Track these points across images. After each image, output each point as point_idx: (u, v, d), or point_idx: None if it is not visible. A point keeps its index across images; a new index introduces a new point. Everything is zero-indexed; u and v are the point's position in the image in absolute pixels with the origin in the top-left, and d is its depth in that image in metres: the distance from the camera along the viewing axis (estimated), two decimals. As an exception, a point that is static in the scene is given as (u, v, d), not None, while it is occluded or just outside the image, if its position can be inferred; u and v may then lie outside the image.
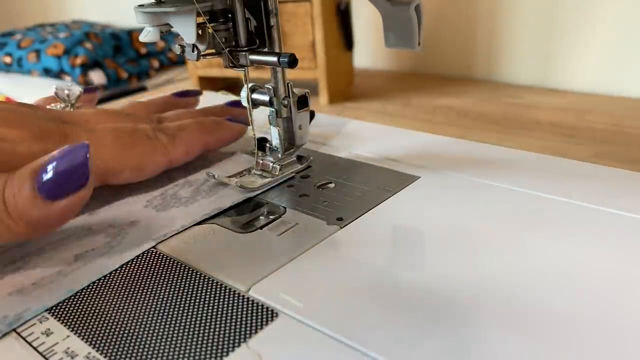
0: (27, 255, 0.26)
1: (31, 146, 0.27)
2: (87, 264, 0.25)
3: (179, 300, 0.22)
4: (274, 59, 0.28)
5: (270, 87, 0.32)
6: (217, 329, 0.20)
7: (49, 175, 0.23)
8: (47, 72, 1.03)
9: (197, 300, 0.22)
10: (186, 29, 0.28)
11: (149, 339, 0.20)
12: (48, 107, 0.35)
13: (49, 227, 0.24)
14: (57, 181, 0.23)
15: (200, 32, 0.29)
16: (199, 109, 0.38)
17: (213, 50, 0.30)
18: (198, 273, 0.24)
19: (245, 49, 0.30)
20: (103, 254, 0.26)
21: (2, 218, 0.23)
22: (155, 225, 0.28)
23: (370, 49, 0.84)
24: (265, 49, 0.31)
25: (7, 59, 1.09)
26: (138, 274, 0.24)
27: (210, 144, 0.33)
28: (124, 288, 0.23)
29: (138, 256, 0.26)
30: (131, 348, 0.20)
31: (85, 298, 0.23)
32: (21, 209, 0.23)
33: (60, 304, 0.22)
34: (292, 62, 0.28)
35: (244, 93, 0.32)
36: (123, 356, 0.19)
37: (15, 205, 0.23)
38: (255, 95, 0.33)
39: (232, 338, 0.20)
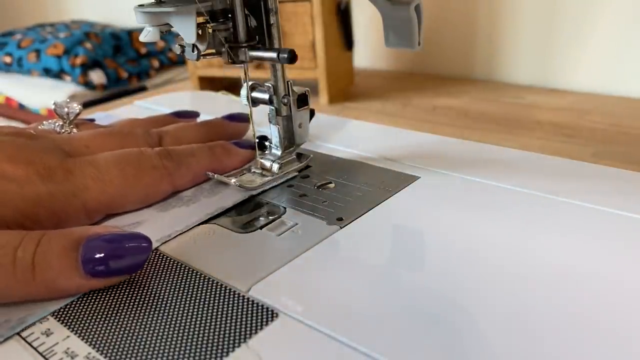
0: None
1: (38, 187, 0.26)
2: None
3: (179, 300, 0.22)
4: (274, 54, 0.28)
5: (270, 85, 0.32)
6: (217, 329, 0.20)
7: (99, 255, 0.22)
8: (47, 72, 1.03)
9: (197, 300, 0.22)
10: (186, 29, 0.28)
11: (149, 339, 0.20)
12: (46, 122, 0.34)
13: (69, 296, 0.23)
14: (107, 266, 0.22)
15: (200, 32, 0.29)
16: (199, 123, 0.38)
17: (213, 50, 0.30)
18: (198, 273, 0.24)
19: (245, 45, 0.30)
20: None
21: (22, 278, 0.21)
22: (158, 225, 0.28)
23: (370, 49, 0.84)
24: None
25: (7, 59, 1.09)
26: (138, 274, 0.24)
27: (217, 170, 0.33)
28: (124, 288, 0.23)
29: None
30: (131, 348, 0.20)
31: (85, 298, 0.23)
32: (54, 277, 0.22)
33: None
34: (292, 58, 0.28)
35: (244, 91, 0.32)
36: (123, 356, 0.19)
37: (47, 271, 0.21)
38: (255, 94, 0.33)
39: (232, 338, 0.20)
